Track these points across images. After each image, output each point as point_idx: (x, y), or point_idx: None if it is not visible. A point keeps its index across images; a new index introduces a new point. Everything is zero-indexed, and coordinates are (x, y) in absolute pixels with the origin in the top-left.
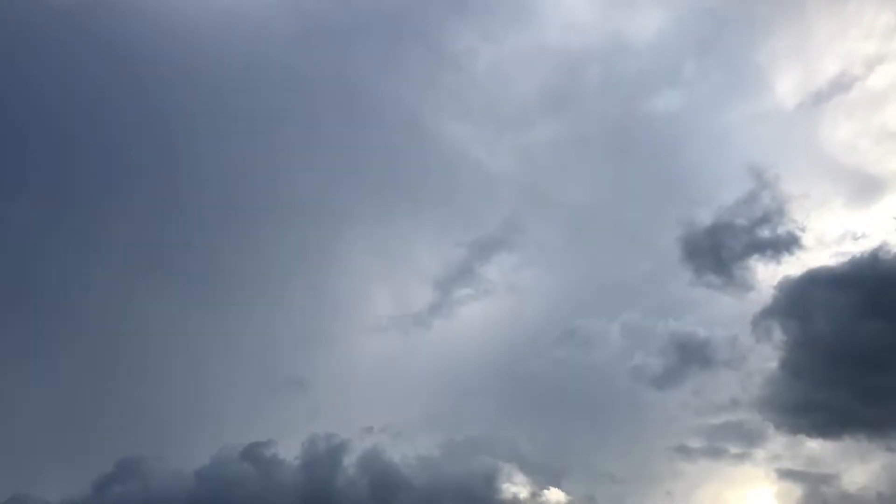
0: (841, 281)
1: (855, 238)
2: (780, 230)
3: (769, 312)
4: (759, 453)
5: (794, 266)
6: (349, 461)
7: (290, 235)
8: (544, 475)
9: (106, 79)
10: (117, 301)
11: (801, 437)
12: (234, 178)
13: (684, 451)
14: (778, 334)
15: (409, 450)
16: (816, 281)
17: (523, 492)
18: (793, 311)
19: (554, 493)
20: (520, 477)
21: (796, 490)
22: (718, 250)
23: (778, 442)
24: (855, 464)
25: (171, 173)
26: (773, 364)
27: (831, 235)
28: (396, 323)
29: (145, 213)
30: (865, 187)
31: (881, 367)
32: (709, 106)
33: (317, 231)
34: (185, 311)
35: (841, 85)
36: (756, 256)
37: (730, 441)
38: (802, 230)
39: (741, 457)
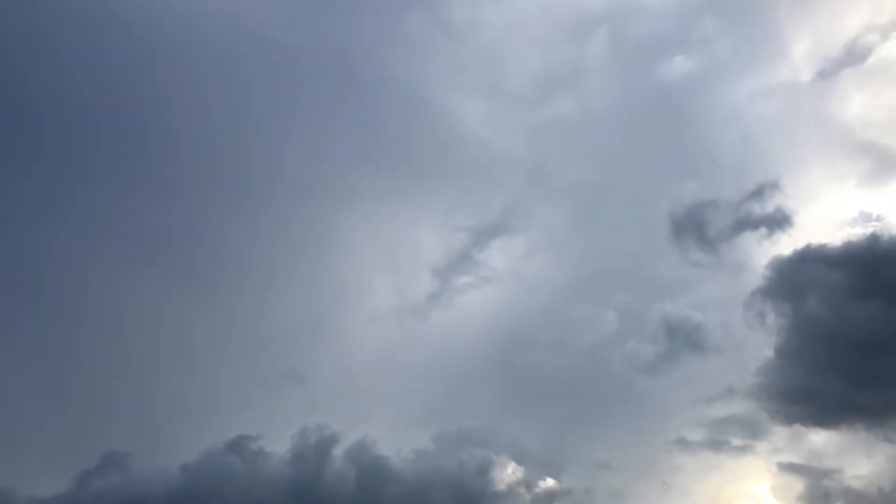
0: (837, 260)
1: (869, 220)
2: (785, 210)
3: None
4: (758, 445)
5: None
6: (340, 454)
7: (286, 219)
8: (539, 466)
9: (93, 54)
10: (102, 291)
11: (798, 427)
12: (228, 159)
13: (682, 444)
14: (772, 317)
15: (403, 442)
16: (812, 260)
17: (518, 483)
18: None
19: (550, 485)
20: (515, 468)
21: (797, 484)
22: (717, 232)
23: (776, 434)
24: (857, 458)
25: (159, 154)
26: (769, 350)
27: (844, 216)
28: (395, 313)
29: (132, 196)
30: (880, 166)
31: (878, 351)
32: (720, 74)
33: (313, 214)
34: (175, 301)
35: (854, 55)
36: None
37: (727, 433)
38: (802, 210)
39: (740, 449)
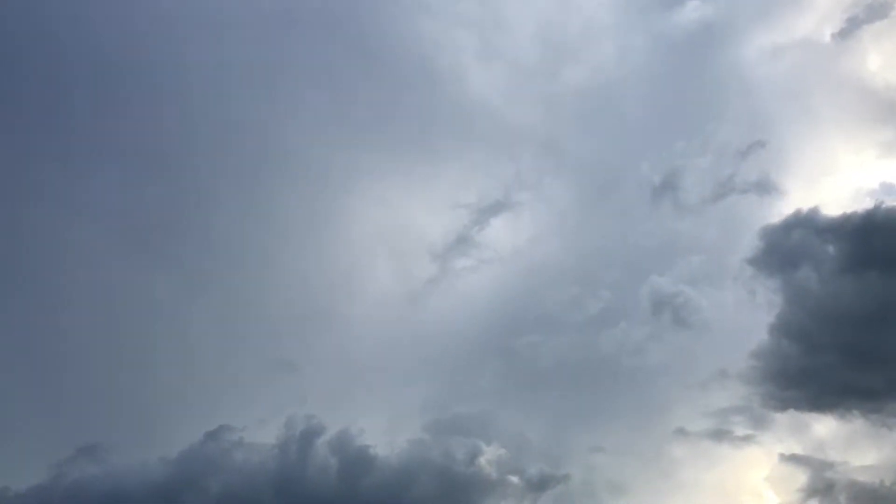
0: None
1: (891, 193)
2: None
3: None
4: (759, 436)
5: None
6: (328, 445)
7: (281, 197)
8: (533, 453)
9: (89, 22)
10: (80, 274)
11: (794, 413)
12: (217, 132)
13: (682, 434)
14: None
15: (395, 432)
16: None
17: (510, 472)
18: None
19: (544, 472)
20: (507, 456)
21: (799, 475)
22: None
23: (777, 423)
24: (861, 449)
25: (143, 126)
26: (762, 329)
27: (865, 187)
28: (393, 298)
29: (111, 169)
30: None
31: (877, 327)
32: (735, 23)
33: (311, 190)
34: (159, 285)
35: (875, 9)
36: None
37: (727, 422)
38: (821, 180)
39: (742, 439)
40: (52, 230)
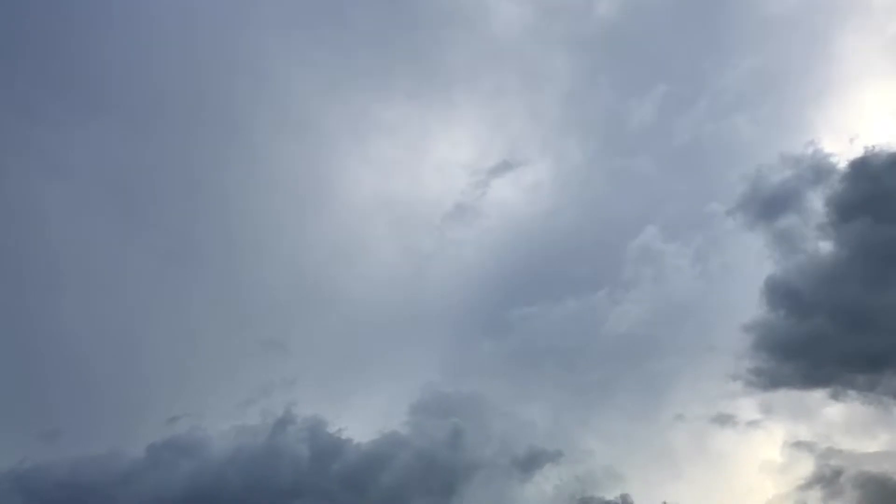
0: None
1: None
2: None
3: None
4: (762, 422)
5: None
6: (307, 433)
7: (277, 155)
8: (525, 436)
9: None
10: (49, 245)
11: (788, 392)
12: (208, 80)
13: (681, 420)
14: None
15: (383, 420)
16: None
17: (499, 454)
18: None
19: (534, 451)
20: (497, 438)
21: (805, 462)
22: None
23: (779, 407)
24: (866, 436)
25: (123, 74)
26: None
27: None
28: (394, 272)
29: (86, 125)
30: None
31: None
32: None
33: (308, 150)
34: (137, 258)
35: None
36: None
37: (728, 408)
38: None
39: (748, 424)
40: (18, 194)
